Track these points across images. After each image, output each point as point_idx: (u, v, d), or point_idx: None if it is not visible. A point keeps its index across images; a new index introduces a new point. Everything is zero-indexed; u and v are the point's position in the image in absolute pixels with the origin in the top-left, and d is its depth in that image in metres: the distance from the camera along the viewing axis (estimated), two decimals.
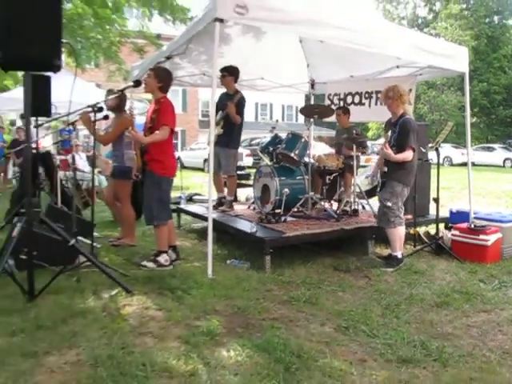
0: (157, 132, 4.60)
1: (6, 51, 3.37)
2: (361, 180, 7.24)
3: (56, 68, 3.43)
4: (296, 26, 4.79)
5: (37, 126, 5.19)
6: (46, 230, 4.20)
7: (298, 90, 8.81)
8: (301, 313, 3.68)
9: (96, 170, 11.74)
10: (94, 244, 4.69)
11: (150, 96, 5.00)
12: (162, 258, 4.74)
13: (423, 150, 6.04)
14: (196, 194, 9.51)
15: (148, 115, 4.87)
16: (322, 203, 6.31)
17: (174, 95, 37.72)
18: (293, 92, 8.92)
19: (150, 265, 4.72)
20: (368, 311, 3.72)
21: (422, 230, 6.29)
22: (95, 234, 5.02)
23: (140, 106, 12.60)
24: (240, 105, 6.28)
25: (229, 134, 6.29)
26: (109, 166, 10.04)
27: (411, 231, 5.90)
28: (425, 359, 2.97)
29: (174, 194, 11.42)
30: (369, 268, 4.96)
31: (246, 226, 5.40)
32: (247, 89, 7.99)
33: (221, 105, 6.26)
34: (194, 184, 12.44)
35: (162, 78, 4.73)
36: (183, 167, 15.53)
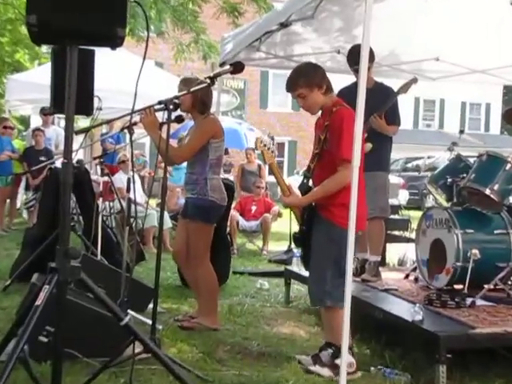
0: (325, 182, 4.64)
1: (43, 14, 3.42)
2: None
3: (119, 41, 3.49)
4: None
5: (75, 132, 5.41)
6: (83, 298, 4.38)
7: (499, 79, 8.64)
8: None
9: (155, 202, 12.02)
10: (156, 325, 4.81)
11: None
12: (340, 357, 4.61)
13: None
14: None
15: (316, 133, 4.96)
16: None
17: (283, 83, 37.50)
18: (485, 82, 8.86)
19: (326, 372, 4.76)
20: None
21: None
22: (158, 308, 5.08)
23: (226, 100, 12.96)
24: (395, 107, 6.53)
25: (378, 148, 6.34)
26: (175, 196, 10.33)
27: None
28: None
29: (279, 247, 11.77)
30: None
31: (403, 310, 5.34)
32: (407, 74, 7.95)
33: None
34: None
35: (319, 82, 4.77)
36: None
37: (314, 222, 4.85)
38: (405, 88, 6.58)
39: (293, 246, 8.98)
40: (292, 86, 4.83)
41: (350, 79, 6.63)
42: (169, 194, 9.10)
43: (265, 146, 4.60)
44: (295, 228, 5.05)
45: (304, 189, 4.86)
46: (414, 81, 6.65)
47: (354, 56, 6.21)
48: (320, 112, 4.92)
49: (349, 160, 4.43)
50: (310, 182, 4.94)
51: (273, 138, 4.68)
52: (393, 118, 6.63)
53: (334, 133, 4.69)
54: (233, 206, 9.44)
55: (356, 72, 6.32)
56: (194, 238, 5.88)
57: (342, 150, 4.58)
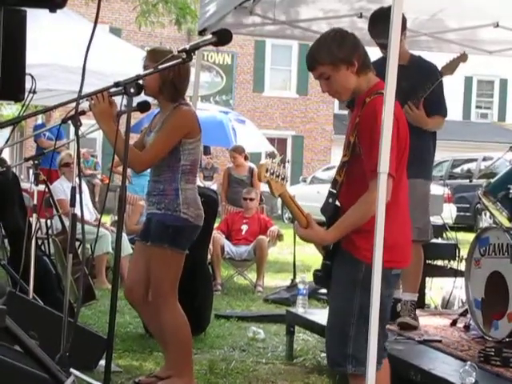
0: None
1: None
2: None
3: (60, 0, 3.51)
4: None
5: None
6: (8, 353, 4.19)
7: None
8: None
9: (109, 220, 11.83)
10: None
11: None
12: None
13: None
14: None
15: (348, 128, 4.62)
16: None
17: (284, 58, 37.28)
18: None
19: None
20: None
21: None
22: (112, 365, 5.03)
23: (207, 80, 12.81)
24: (438, 92, 6.53)
25: (417, 148, 5.99)
26: (137, 211, 10.12)
27: None
28: None
29: (279, 281, 11.64)
30: None
31: (448, 370, 5.29)
32: (455, 46, 8.01)
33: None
34: (313, 257, 12.20)
35: (347, 57, 4.39)
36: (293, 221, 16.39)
37: (338, 254, 4.54)
38: (451, 66, 6.42)
39: (298, 279, 8.77)
40: (310, 62, 4.50)
41: (376, 52, 6.43)
42: (129, 208, 8.84)
43: (272, 174, 4.17)
44: (302, 254, 4.79)
45: (329, 212, 4.56)
46: (463, 58, 6.47)
47: (377, 25, 6.20)
48: (358, 100, 4.54)
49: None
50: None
51: (283, 161, 4.26)
52: (436, 106, 6.49)
53: (364, 132, 4.32)
54: (216, 225, 9.32)
55: (381, 47, 6.31)
56: (157, 269, 5.85)
57: (374, 158, 4.22)
